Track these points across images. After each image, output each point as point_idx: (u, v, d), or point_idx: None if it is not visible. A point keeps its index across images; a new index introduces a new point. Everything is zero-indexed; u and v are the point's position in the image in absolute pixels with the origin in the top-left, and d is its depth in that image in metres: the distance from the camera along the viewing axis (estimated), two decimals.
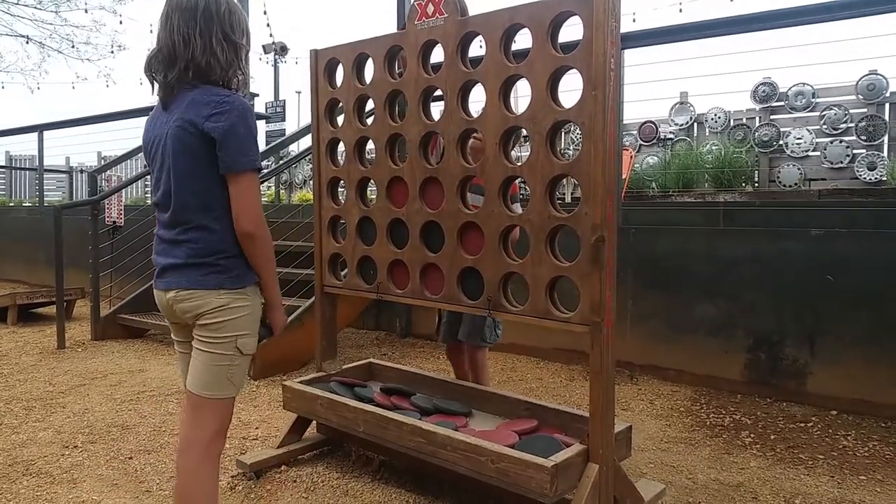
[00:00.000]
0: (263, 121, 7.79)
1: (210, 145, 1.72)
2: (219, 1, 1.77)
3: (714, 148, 8.51)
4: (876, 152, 7.80)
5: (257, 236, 1.77)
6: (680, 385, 4.08)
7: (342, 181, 2.95)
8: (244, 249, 1.79)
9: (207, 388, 1.81)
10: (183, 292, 1.82)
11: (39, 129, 9.10)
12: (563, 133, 8.20)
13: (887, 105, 7.96)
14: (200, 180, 1.76)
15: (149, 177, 8.08)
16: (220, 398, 1.83)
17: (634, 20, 12.07)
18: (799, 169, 8.10)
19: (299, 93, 22.95)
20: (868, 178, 7.65)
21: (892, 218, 3.60)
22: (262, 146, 7.25)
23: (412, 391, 2.99)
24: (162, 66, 1.77)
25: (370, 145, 2.87)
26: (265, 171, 7.58)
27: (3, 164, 17.58)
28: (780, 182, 8.16)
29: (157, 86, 1.81)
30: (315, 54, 2.95)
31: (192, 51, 1.73)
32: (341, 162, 2.97)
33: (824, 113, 8.19)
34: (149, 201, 8.99)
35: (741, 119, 8.96)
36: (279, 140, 6.49)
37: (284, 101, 8.75)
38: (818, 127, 8.25)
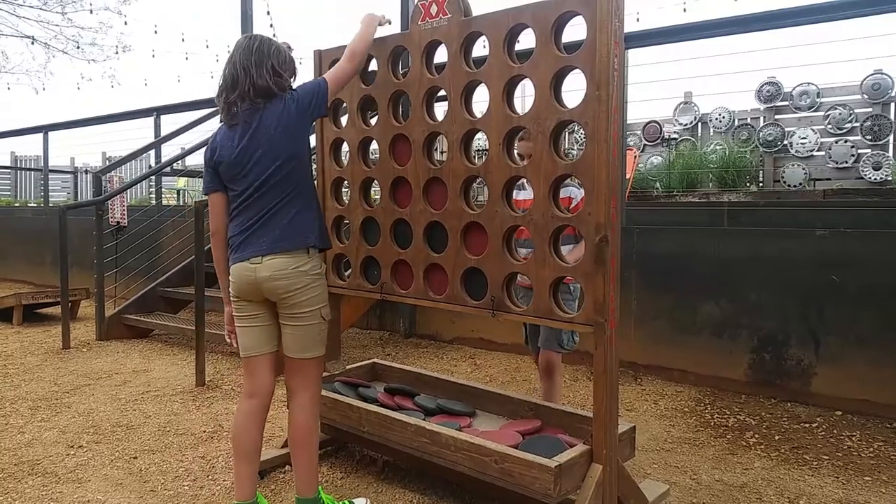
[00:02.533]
0: None
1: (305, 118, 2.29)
2: (269, 42, 2.32)
3: (718, 148, 8.49)
4: (881, 152, 7.77)
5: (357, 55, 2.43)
6: (684, 385, 4.08)
7: (346, 181, 2.95)
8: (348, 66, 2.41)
9: (307, 351, 2.29)
10: (278, 270, 2.21)
11: (44, 129, 9.14)
12: (566, 133, 8.20)
13: (893, 105, 7.92)
14: (295, 161, 2.26)
15: (154, 178, 7.99)
16: (317, 357, 2.32)
17: (638, 20, 12.05)
18: (804, 169, 8.07)
19: None
20: (873, 178, 7.62)
21: None
22: None
23: (416, 391, 2.99)
24: (227, 90, 2.26)
25: (374, 146, 2.87)
26: None
27: (8, 164, 17.64)
28: (784, 182, 8.13)
29: (226, 109, 2.27)
30: (319, 55, 2.96)
31: (250, 77, 2.22)
32: (345, 162, 2.98)
33: (829, 112, 8.16)
34: (153, 202, 9.03)
35: (745, 119, 8.94)
36: None
37: None
38: (823, 127, 8.22)
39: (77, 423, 3.46)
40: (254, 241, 2.23)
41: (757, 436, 3.27)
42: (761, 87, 8.64)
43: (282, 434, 3.10)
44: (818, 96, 8.34)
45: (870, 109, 7.98)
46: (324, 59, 2.94)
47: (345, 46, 2.83)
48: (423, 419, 2.57)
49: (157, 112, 7.61)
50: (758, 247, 3.88)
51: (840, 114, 8.06)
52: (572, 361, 4.52)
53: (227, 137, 2.27)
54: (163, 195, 9.56)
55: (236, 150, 2.23)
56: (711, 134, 9.17)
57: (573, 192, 2.85)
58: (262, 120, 2.22)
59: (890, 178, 7.50)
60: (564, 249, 2.51)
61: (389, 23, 2.61)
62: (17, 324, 6.08)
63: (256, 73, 2.22)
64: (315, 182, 2.43)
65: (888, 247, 3.51)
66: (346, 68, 2.38)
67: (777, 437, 3.26)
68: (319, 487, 2.35)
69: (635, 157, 8.26)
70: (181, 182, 13.70)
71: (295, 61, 2.41)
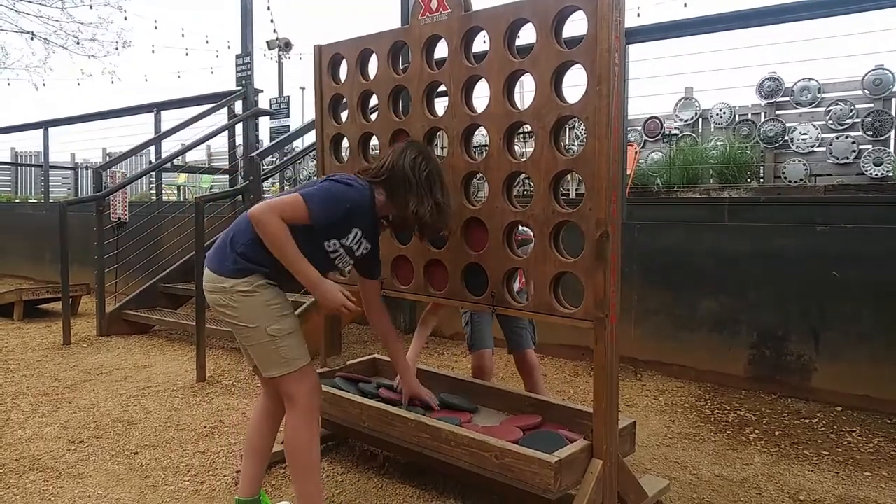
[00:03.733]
0: (268, 117, 7.79)
1: None
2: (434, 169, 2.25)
3: (719, 143, 8.49)
4: (882, 147, 7.77)
5: (256, 218, 2.04)
6: (684, 381, 4.08)
7: None
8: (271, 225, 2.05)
9: (272, 370, 2.14)
10: (207, 281, 2.17)
11: (45, 125, 9.13)
12: (567, 129, 8.19)
13: (894, 100, 7.91)
14: None
15: (154, 173, 7.98)
16: (288, 374, 2.13)
17: (639, 15, 12.04)
18: (804, 164, 8.07)
19: (303, 89, 23.00)
20: (874, 174, 7.62)
21: None
22: (265, 142, 7.26)
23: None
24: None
25: (374, 141, 2.87)
26: (268, 167, 7.60)
27: (8, 160, 17.64)
28: (785, 178, 8.13)
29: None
30: (319, 50, 2.95)
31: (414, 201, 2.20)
32: (345, 158, 2.97)
33: (830, 108, 8.15)
34: (153, 198, 9.01)
35: (746, 114, 8.93)
36: (283, 136, 6.50)
37: (288, 97, 8.71)
38: (824, 122, 8.21)
39: (78, 418, 3.47)
40: None
41: (757, 431, 3.28)
42: (762, 82, 8.63)
43: (281, 429, 3.09)
44: (819, 92, 8.34)
45: (871, 105, 7.98)
46: (324, 54, 2.94)
47: (348, 40, 2.83)
48: (424, 414, 2.57)
49: (158, 108, 7.60)
50: (758, 242, 3.88)
51: (841, 109, 8.05)
52: (572, 357, 4.52)
53: None
54: (163, 191, 9.55)
55: None
56: (712, 129, 9.17)
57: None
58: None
59: (891, 174, 7.50)
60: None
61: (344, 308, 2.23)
62: (18, 319, 6.08)
63: (418, 201, 2.17)
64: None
65: (889, 242, 3.50)
66: (264, 206, 2.05)
67: (777, 433, 3.26)
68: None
69: (636, 152, 8.25)
70: (182, 178, 13.72)
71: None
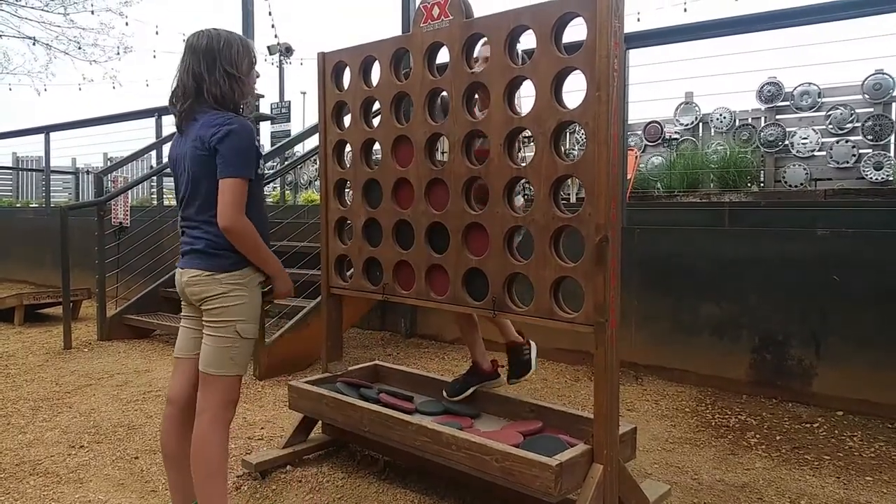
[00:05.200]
0: (269, 122, 7.81)
1: (214, 157, 2.06)
2: (219, 39, 2.12)
3: (719, 148, 8.50)
4: (882, 152, 7.77)
5: (231, 231, 2.04)
6: (685, 385, 4.08)
7: (349, 183, 2.96)
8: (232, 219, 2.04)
9: (212, 367, 2.11)
10: (193, 276, 2.11)
11: (46, 130, 9.15)
12: (567, 134, 8.21)
13: (894, 105, 7.93)
14: (208, 185, 2.08)
15: (155, 178, 8.03)
16: (225, 376, 2.12)
17: (639, 20, 12.04)
18: (805, 169, 8.08)
19: (304, 93, 23.01)
20: (874, 178, 7.63)
21: None
22: (267, 147, 7.27)
23: (418, 396, 3.00)
24: (179, 98, 2.14)
25: (376, 146, 2.88)
26: (269, 172, 7.60)
27: (10, 165, 17.66)
28: (785, 182, 8.14)
29: (175, 115, 2.17)
30: (322, 57, 2.97)
31: (202, 85, 2.09)
32: (348, 164, 2.99)
33: (830, 113, 8.17)
34: (154, 202, 9.04)
35: (746, 119, 8.95)
36: (284, 141, 6.51)
37: (289, 101, 8.74)
38: (824, 127, 8.22)
39: (78, 423, 3.47)
40: (184, 250, 2.17)
41: (758, 436, 3.28)
42: (762, 87, 8.65)
43: (282, 434, 3.10)
44: (819, 96, 8.35)
45: (871, 109, 7.99)
46: (327, 61, 2.95)
47: (351, 48, 2.84)
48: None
49: (159, 113, 7.62)
50: (759, 247, 3.89)
51: (841, 114, 8.07)
52: (573, 362, 4.52)
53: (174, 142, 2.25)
54: (164, 196, 9.57)
55: (173, 156, 2.22)
56: (712, 134, 9.18)
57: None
58: (189, 133, 2.11)
59: (891, 178, 7.51)
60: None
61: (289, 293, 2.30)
62: (19, 324, 6.08)
63: (209, 78, 2.08)
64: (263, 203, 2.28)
65: (889, 247, 3.51)
66: (231, 214, 2.02)
67: (778, 438, 3.26)
68: None
69: (636, 157, 8.27)
70: None
71: (247, 42, 2.20)
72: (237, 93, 2.15)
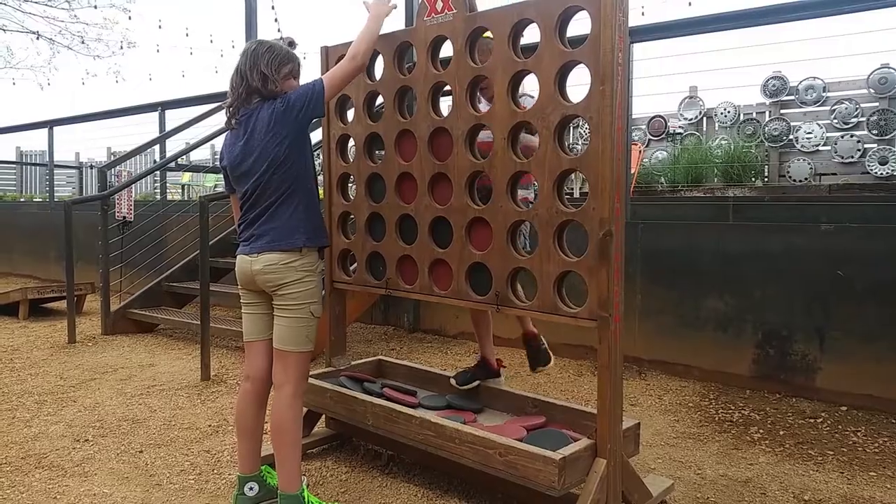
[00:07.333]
0: None
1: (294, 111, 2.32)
2: (264, 45, 2.41)
3: (724, 142, 8.48)
4: (887, 146, 7.74)
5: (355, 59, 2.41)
6: (688, 380, 4.08)
7: (352, 177, 2.96)
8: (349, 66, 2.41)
9: (291, 344, 2.34)
10: (270, 264, 2.31)
11: (50, 124, 9.16)
12: (571, 128, 8.19)
13: None
14: (290, 146, 2.32)
15: (158, 173, 8.01)
16: (302, 351, 2.36)
17: (643, 14, 11.98)
18: (809, 164, 8.05)
19: None
20: (879, 173, 7.60)
21: None
22: None
23: (422, 390, 3.00)
24: (230, 92, 2.39)
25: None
26: None
27: (13, 159, 17.69)
28: (790, 177, 8.11)
29: (227, 108, 2.40)
30: (326, 51, 2.96)
31: (247, 80, 2.34)
32: (351, 158, 2.98)
33: (835, 107, 8.13)
34: (157, 197, 9.04)
35: (751, 113, 8.92)
36: None
37: None
38: (829, 121, 8.19)
39: (83, 417, 3.49)
40: (252, 239, 2.37)
41: (761, 431, 3.28)
42: (767, 81, 8.61)
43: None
44: (824, 91, 8.32)
45: (876, 104, 7.95)
46: (330, 55, 2.94)
47: (351, 43, 2.84)
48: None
49: (162, 107, 7.62)
50: (763, 242, 3.88)
51: (846, 108, 8.03)
52: (576, 356, 4.52)
53: (228, 142, 2.44)
54: (168, 190, 9.58)
55: (235, 155, 2.37)
56: (717, 128, 9.16)
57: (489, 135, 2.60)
58: (255, 125, 2.32)
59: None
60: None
61: (395, 7, 2.61)
62: (23, 318, 6.11)
63: (250, 77, 2.33)
64: (313, 181, 2.46)
65: (894, 241, 3.50)
66: (347, 68, 2.40)
67: (782, 433, 3.26)
68: (304, 486, 2.35)
69: (640, 151, 8.25)
70: (186, 177, 13.73)
71: (292, 55, 2.45)
72: (272, 86, 2.36)
